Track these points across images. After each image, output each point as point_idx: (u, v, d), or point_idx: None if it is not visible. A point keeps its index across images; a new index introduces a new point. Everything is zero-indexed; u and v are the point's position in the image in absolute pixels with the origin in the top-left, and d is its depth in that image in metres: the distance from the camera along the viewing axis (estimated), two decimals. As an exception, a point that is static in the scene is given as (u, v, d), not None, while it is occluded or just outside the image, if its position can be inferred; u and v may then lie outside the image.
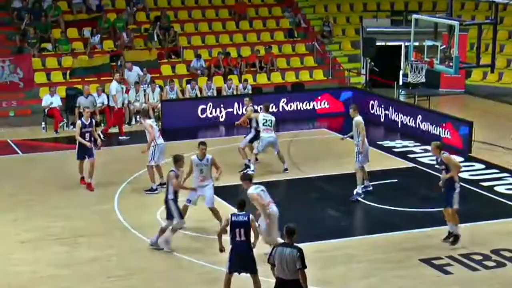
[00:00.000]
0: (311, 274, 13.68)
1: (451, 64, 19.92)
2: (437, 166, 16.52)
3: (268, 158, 21.19)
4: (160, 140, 19.15)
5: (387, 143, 23.88)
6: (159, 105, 26.23)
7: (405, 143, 23.85)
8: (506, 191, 19.23)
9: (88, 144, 19.16)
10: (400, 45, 32.15)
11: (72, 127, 25.68)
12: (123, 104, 25.14)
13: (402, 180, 20.32)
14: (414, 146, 23.44)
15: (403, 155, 22.54)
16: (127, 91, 26.50)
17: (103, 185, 19.57)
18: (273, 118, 20.59)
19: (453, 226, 15.75)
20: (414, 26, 21.01)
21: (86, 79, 28.19)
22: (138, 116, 26.35)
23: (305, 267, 11.43)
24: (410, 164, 21.65)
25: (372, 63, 30.63)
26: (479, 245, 15.71)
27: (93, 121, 19.83)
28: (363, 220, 17.93)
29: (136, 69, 27.47)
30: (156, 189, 18.99)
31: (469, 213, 17.63)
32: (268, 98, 24.80)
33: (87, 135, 19.30)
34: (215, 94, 27.74)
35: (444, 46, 20.49)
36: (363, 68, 31.74)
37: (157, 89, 27.00)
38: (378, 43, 30.89)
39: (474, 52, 22.51)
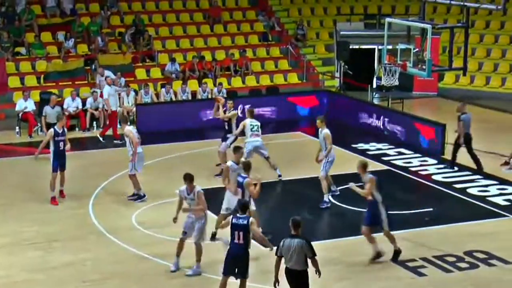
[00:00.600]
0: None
1: (424, 67, 20.03)
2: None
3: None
4: (140, 148, 18.74)
5: (361, 145, 24.01)
6: (134, 109, 26.20)
7: (379, 145, 24.00)
8: (479, 193, 19.40)
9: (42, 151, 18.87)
10: (374, 48, 32.37)
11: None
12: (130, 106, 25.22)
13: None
14: (388, 148, 23.59)
15: (377, 157, 22.67)
16: (102, 95, 26.47)
17: (78, 189, 19.51)
18: (259, 123, 20.38)
19: (375, 245, 14.99)
20: (387, 29, 21.13)
21: (60, 83, 28.13)
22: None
23: (315, 254, 12.15)
24: (384, 167, 21.79)
25: (346, 66, 30.80)
26: (452, 247, 15.84)
27: (65, 129, 19.23)
28: (338, 223, 18.00)
29: (108, 73, 27.42)
30: (144, 196, 18.63)
31: (443, 215, 17.83)
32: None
33: (61, 143, 18.81)
34: (190, 97, 27.76)
35: (417, 49, 20.62)
36: (337, 71, 31.90)
37: (132, 93, 26.98)
38: (351, 47, 31.06)
39: (447, 55, 22.71)
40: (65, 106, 26.02)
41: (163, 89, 27.64)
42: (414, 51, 20.42)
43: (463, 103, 21.74)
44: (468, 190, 19.61)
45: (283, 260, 12.33)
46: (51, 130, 18.92)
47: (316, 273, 12.36)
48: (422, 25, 20.70)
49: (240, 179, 15.25)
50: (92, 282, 14.37)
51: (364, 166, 15.40)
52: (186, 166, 21.07)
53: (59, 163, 18.80)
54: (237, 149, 16.22)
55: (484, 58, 32.69)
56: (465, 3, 20.16)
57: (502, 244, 16.07)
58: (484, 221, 17.57)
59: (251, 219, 13.03)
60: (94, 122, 26.14)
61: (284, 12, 35.16)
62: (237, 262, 13.05)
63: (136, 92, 27.43)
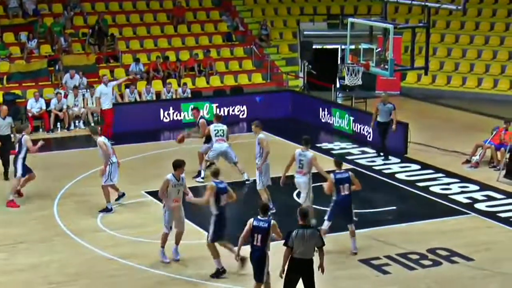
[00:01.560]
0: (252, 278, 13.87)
1: (386, 66, 20.21)
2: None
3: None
4: (114, 158, 18.21)
5: (325, 145, 24.18)
6: (99, 109, 26.10)
7: (343, 145, 24.19)
8: (441, 191, 19.65)
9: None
10: (337, 48, 32.58)
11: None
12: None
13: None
14: (352, 148, 23.80)
15: (341, 156, 22.80)
16: (66, 96, 26.39)
17: (42, 191, 19.44)
18: (225, 128, 20.10)
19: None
20: (350, 29, 21.28)
21: (23, 84, 27.96)
22: (77, 121, 26.29)
23: (324, 244, 12.55)
24: (348, 166, 21.93)
25: (310, 66, 30.98)
26: (415, 245, 16.04)
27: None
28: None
29: (66, 76, 27.42)
30: (111, 209, 18.17)
31: (406, 213, 18.05)
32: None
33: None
34: (154, 98, 27.74)
35: (379, 49, 20.80)
36: (301, 71, 32.05)
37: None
38: (315, 46, 31.23)
39: (409, 55, 22.92)
40: (28, 107, 25.90)
41: (128, 90, 27.59)
42: (377, 50, 20.59)
43: (386, 94, 22.79)
44: (431, 188, 19.85)
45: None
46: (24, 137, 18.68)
47: (318, 269, 12.61)
48: (384, 25, 20.90)
49: (221, 185, 14.61)
50: (57, 284, 14.33)
51: (338, 164, 15.87)
52: (151, 167, 21.16)
53: (27, 168, 18.73)
54: (178, 166, 15.24)
55: (445, 57, 33.08)
56: (426, 3, 20.37)
57: (464, 241, 16.30)
58: (447, 219, 17.81)
59: (273, 221, 12.90)
60: (58, 123, 26.01)
61: (248, 12, 35.25)
62: (254, 265, 12.95)
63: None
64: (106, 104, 24.54)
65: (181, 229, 15.25)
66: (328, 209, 15.67)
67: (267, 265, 12.85)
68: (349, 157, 22.70)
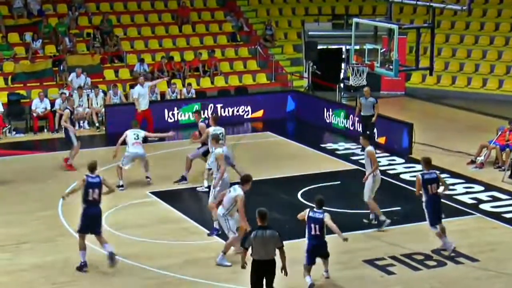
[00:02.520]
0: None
1: (391, 67, 20.19)
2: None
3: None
4: (134, 149, 19.76)
5: (330, 145, 24.16)
6: (103, 110, 26.15)
7: (348, 145, 24.16)
8: (446, 192, 19.57)
9: None
10: (341, 48, 32.56)
11: (14, 133, 25.53)
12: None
13: (345, 182, 20.60)
14: (356, 148, 23.75)
15: (345, 157, 22.84)
16: (70, 96, 26.38)
17: (47, 191, 19.46)
18: (223, 130, 19.60)
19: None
20: (355, 29, 21.27)
21: (28, 84, 28.00)
22: (81, 122, 26.30)
23: (283, 245, 12.68)
24: (353, 166, 21.95)
25: (314, 67, 30.97)
26: (420, 245, 16.00)
27: None
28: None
29: (72, 75, 27.47)
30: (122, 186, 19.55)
31: (411, 213, 18.00)
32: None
33: None
34: (158, 98, 27.72)
35: (384, 49, 20.80)
36: (305, 71, 32.04)
37: (101, 94, 26.92)
38: (319, 47, 31.22)
39: (413, 55, 22.93)
40: (33, 107, 25.94)
41: (132, 90, 27.56)
42: (381, 51, 20.58)
43: (368, 89, 22.79)
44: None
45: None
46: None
47: (282, 271, 12.67)
48: (389, 25, 20.88)
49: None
50: (61, 284, 14.32)
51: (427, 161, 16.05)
52: (156, 167, 21.14)
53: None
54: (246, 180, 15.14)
55: (450, 58, 33.04)
56: (431, 4, 20.37)
57: (469, 242, 16.27)
58: (451, 219, 17.74)
59: (326, 214, 13.84)
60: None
61: (253, 12, 35.25)
62: (318, 251, 13.99)
63: (105, 93, 27.37)
64: (143, 105, 24.74)
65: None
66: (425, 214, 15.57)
67: None
68: (354, 158, 22.66)
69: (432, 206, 15.43)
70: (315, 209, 13.93)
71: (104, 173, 20.38)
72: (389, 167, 21.77)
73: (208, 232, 16.49)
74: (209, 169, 18.85)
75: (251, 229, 13.56)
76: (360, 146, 22.80)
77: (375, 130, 23.44)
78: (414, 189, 19.52)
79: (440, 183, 15.61)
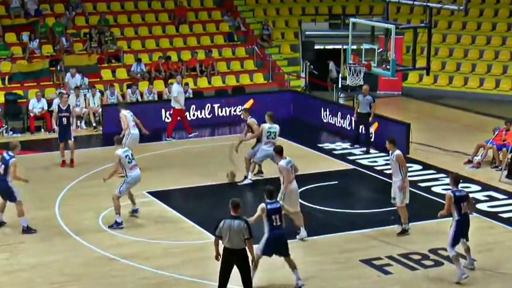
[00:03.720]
0: (255, 276, 13.87)
1: (388, 67, 20.21)
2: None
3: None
4: (135, 130, 20.62)
5: (327, 145, 24.18)
6: (100, 109, 26.15)
7: (345, 145, 24.18)
8: (443, 191, 19.57)
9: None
10: (339, 48, 32.59)
11: (11, 133, 25.52)
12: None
13: (342, 181, 20.62)
14: (353, 148, 23.77)
15: (342, 157, 22.86)
16: (67, 94, 26.38)
17: (44, 191, 19.46)
18: (278, 129, 19.63)
19: None
20: (352, 29, 21.28)
21: (25, 84, 27.97)
22: (78, 121, 26.29)
23: (252, 236, 12.71)
24: (350, 166, 21.97)
25: (311, 66, 30.98)
26: (417, 245, 16.03)
27: (71, 107, 22.26)
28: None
29: (67, 75, 27.48)
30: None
31: (408, 214, 18.00)
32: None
33: (64, 119, 21.47)
34: (156, 98, 27.73)
35: (381, 49, 20.82)
36: (302, 71, 32.06)
37: (98, 94, 26.92)
38: (316, 47, 31.23)
39: (410, 55, 22.92)
40: (30, 107, 25.93)
41: (129, 90, 27.59)
42: (378, 51, 20.59)
43: (367, 86, 22.98)
44: (433, 189, 19.85)
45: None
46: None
47: (252, 263, 13.01)
48: (386, 25, 20.90)
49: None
50: (59, 284, 14.32)
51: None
52: (153, 167, 21.17)
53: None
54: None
55: (447, 57, 33.08)
56: (428, 4, 20.38)
57: (466, 241, 16.29)
58: (448, 219, 17.71)
59: (281, 202, 14.04)
60: (60, 123, 25.98)
61: (250, 12, 35.25)
62: (279, 242, 13.80)
63: (102, 93, 27.36)
64: (179, 105, 24.93)
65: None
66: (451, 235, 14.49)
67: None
68: (351, 157, 22.69)
69: (461, 227, 14.38)
70: (268, 201, 13.78)
71: (98, 174, 20.50)
72: (386, 167, 21.75)
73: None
74: (256, 163, 19.62)
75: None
76: (349, 144, 22.99)
77: (371, 130, 23.57)
78: (411, 189, 19.64)
79: (469, 203, 14.50)
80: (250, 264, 12.98)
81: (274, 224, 13.70)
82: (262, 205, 13.78)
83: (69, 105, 22.21)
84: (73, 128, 25.81)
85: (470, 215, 14.58)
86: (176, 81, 25.58)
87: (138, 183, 17.54)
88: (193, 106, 26.74)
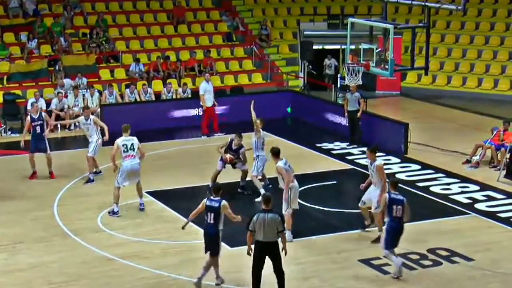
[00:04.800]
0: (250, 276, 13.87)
1: (386, 66, 20.21)
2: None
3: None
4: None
5: (325, 145, 24.17)
6: (98, 109, 26.12)
7: (343, 145, 24.18)
8: (441, 191, 19.65)
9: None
10: (337, 48, 32.59)
11: (10, 132, 25.50)
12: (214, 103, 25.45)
13: (341, 181, 20.63)
14: (352, 148, 23.77)
15: (341, 157, 22.86)
16: (65, 96, 26.39)
17: (43, 191, 19.46)
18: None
19: None
20: (350, 29, 21.28)
21: (23, 84, 27.96)
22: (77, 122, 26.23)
23: (285, 229, 13.29)
24: (348, 166, 21.98)
25: (310, 66, 30.98)
26: (416, 245, 16.02)
27: (43, 114, 20.56)
28: (303, 222, 18.11)
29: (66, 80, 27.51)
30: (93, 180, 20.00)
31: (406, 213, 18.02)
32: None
33: (38, 128, 20.22)
34: (153, 98, 27.69)
35: (380, 49, 20.82)
36: (301, 71, 32.06)
37: (96, 94, 26.90)
38: (315, 47, 31.24)
39: (409, 55, 22.94)
40: (28, 107, 25.87)
41: (128, 90, 27.58)
42: (377, 51, 20.59)
43: (354, 85, 22.62)
44: (431, 189, 19.85)
45: None
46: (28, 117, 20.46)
47: (282, 251, 13.20)
48: (384, 25, 20.91)
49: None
50: (57, 284, 14.32)
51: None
52: (150, 167, 21.15)
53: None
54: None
55: (445, 57, 33.09)
56: (426, 4, 20.38)
57: (464, 241, 16.31)
58: (447, 219, 17.82)
59: (223, 202, 13.67)
60: (58, 124, 25.94)
61: (248, 12, 35.26)
62: (208, 240, 13.79)
63: (100, 93, 27.35)
64: (209, 102, 25.04)
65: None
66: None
67: (220, 240, 13.81)
68: (349, 157, 22.69)
69: (394, 234, 14.41)
70: (212, 197, 13.78)
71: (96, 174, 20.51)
72: (384, 167, 21.71)
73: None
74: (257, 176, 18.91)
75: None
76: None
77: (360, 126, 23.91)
78: (410, 189, 19.72)
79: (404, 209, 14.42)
80: (283, 255, 13.27)
81: (208, 221, 13.77)
82: (204, 200, 13.82)
83: (41, 113, 20.46)
84: (72, 128, 25.92)
85: (404, 223, 14.49)
86: (204, 78, 25.66)
87: (136, 173, 17.72)
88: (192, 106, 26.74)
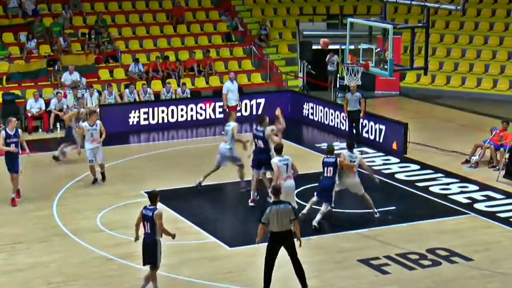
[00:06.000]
0: (254, 276, 13.91)
1: (385, 66, 20.20)
2: None
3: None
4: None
5: (325, 145, 24.12)
6: (98, 109, 26.09)
7: (343, 145, 24.14)
8: (441, 191, 19.65)
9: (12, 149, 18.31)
10: (336, 49, 32.56)
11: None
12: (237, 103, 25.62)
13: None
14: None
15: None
16: (65, 96, 26.38)
17: (42, 191, 19.45)
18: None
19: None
20: (350, 29, 21.27)
21: (23, 84, 27.96)
22: (77, 122, 26.22)
23: (297, 217, 13.63)
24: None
25: (309, 66, 30.98)
26: (415, 245, 16.04)
27: (19, 131, 18.70)
28: (303, 222, 18.07)
29: (64, 74, 27.49)
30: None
31: (405, 213, 18.04)
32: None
33: (12, 145, 18.36)
34: (152, 98, 27.68)
35: (379, 49, 20.80)
36: (300, 71, 32.06)
37: (95, 94, 26.88)
38: (314, 47, 31.23)
39: (408, 55, 22.95)
40: (27, 107, 25.92)
41: (127, 90, 27.59)
42: (376, 51, 20.58)
43: (355, 85, 22.63)
44: (430, 188, 19.85)
45: None
46: (3, 132, 18.42)
47: (297, 241, 13.57)
48: (383, 25, 20.89)
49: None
50: (57, 284, 14.32)
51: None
52: (150, 167, 21.17)
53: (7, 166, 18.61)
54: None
55: (445, 57, 33.10)
56: (426, 4, 20.37)
57: (464, 241, 16.31)
58: (446, 219, 17.81)
59: (157, 211, 13.13)
60: (58, 123, 25.98)
61: (247, 12, 35.26)
62: (146, 251, 13.35)
63: (100, 93, 27.34)
64: (233, 101, 25.14)
65: None
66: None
67: (159, 251, 13.30)
68: (349, 157, 22.65)
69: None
70: (147, 206, 13.36)
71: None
72: (384, 167, 21.81)
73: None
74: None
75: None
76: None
77: (361, 126, 23.99)
78: (409, 189, 19.75)
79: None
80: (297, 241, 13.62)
81: (145, 231, 13.35)
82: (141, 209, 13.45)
83: (17, 129, 18.52)
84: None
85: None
86: (229, 77, 25.79)
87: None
88: (191, 106, 26.71)
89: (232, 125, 19.12)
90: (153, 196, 13.43)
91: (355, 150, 17.86)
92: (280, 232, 13.43)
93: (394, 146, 23.12)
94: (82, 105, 23.41)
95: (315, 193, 17.23)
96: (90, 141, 19.90)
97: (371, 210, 17.59)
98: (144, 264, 13.53)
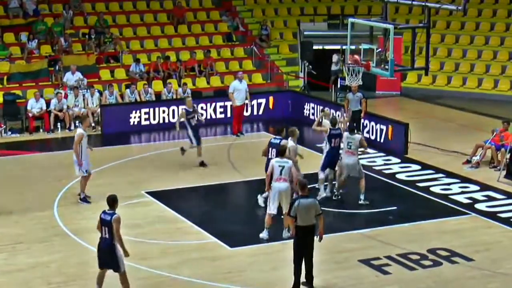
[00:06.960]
0: (254, 276, 13.90)
1: (386, 67, 20.21)
2: None
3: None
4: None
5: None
6: (99, 109, 26.13)
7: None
8: (442, 191, 19.64)
9: None
10: (337, 49, 32.56)
11: (10, 133, 25.50)
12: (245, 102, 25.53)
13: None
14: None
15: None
16: (66, 96, 26.38)
17: (43, 191, 19.45)
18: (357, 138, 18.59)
19: None
20: (351, 29, 21.27)
21: (23, 85, 27.96)
22: (77, 122, 26.25)
23: (322, 212, 13.87)
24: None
25: (310, 66, 30.97)
26: (416, 245, 16.02)
27: None
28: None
29: (67, 74, 27.48)
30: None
31: (406, 213, 18.03)
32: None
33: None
34: (153, 98, 27.68)
35: (380, 49, 20.80)
36: (301, 71, 32.05)
37: (96, 94, 26.90)
38: (315, 47, 31.22)
39: (409, 55, 22.93)
40: (28, 108, 25.90)
41: (128, 90, 27.58)
42: (377, 51, 20.58)
43: (356, 85, 22.52)
44: (431, 189, 19.84)
45: None
46: None
47: (317, 237, 13.78)
48: (384, 25, 20.90)
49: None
50: (57, 284, 14.32)
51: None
52: (151, 167, 21.17)
53: None
54: None
55: (446, 58, 33.08)
56: (427, 4, 20.38)
57: (465, 241, 16.30)
58: (447, 219, 17.80)
59: (115, 216, 12.98)
60: (59, 124, 25.98)
61: (248, 12, 35.25)
62: (105, 256, 13.25)
63: (101, 93, 27.35)
64: (239, 100, 25.12)
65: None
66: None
67: (118, 255, 13.16)
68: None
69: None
70: (106, 210, 13.15)
71: (97, 174, 20.52)
72: (384, 167, 21.79)
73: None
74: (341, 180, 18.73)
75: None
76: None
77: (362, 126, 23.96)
78: (410, 189, 19.73)
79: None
80: (317, 236, 13.83)
81: (102, 235, 13.21)
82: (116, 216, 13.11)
83: None
84: (72, 128, 25.89)
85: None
86: (237, 77, 25.78)
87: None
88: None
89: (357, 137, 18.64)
90: (112, 201, 13.23)
91: (356, 135, 18.63)
92: (306, 227, 13.61)
93: (389, 134, 23.11)
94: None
95: (325, 170, 18.55)
96: (86, 151, 18.52)
97: (361, 196, 18.25)
98: (101, 268, 13.43)
